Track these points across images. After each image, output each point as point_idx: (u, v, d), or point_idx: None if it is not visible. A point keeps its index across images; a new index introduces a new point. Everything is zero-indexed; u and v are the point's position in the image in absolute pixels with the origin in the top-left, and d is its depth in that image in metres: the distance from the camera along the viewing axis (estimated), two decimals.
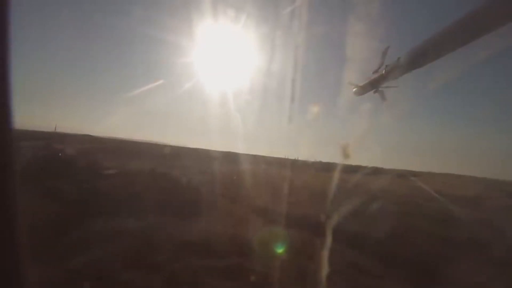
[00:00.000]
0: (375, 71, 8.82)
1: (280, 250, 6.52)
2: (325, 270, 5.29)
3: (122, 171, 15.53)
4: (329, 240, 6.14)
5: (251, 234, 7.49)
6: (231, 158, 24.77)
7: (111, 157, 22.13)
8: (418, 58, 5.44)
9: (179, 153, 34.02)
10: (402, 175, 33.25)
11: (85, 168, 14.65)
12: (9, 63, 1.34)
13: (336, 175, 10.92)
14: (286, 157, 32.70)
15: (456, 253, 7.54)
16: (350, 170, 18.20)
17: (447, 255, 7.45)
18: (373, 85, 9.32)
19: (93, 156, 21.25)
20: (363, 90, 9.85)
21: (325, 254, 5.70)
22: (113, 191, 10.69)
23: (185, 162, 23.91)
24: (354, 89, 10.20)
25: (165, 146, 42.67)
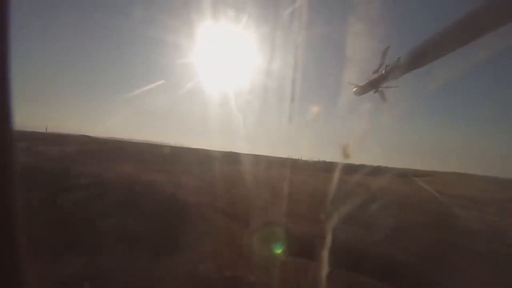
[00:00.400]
0: (375, 71, 8.81)
1: None
2: None
3: (98, 179, 12.58)
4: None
5: (255, 275, 5.36)
6: (231, 158, 23.61)
7: (95, 161, 19.54)
8: (418, 58, 5.43)
9: (176, 154, 32.53)
10: (404, 174, 32.96)
11: (46, 177, 11.36)
12: (9, 63, 1.34)
13: (345, 177, 10.25)
14: (289, 157, 32.72)
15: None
16: (356, 170, 17.54)
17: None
18: (373, 85, 9.31)
19: (72, 159, 18.52)
20: (363, 90, 9.84)
21: None
22: (70, 211, 7.78)
23: (180, 165, 22.27)
24: (354, 89, 10.19)
25: (164, 146, 42.50)
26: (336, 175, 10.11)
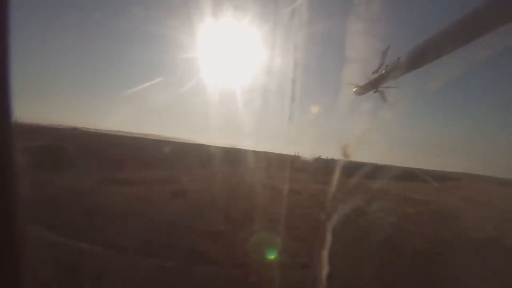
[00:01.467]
0: (375, 71, 8.83)
1: None
2: None
3: None
4: None
5: None
6: (232, 156, 20.66)
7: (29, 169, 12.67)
8: (418, 58, 5.43)
9: (164, 155, 25.81)
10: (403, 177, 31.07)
11: None
12: (9, 63, 1.34)
13: (347, 176, 9.15)
14: (296, 153, 32.31)
15: None
16: (359, 168, 15.34)
17: None
18: (373, 85, 9.33)
19: None
20: (363, 90, 9.86)
21: None
22: None
23: (160, 172, 15.03)
24: (354, 89, 10.21)
25: (164, 141, 41.95)
26: (337, 175, 9.76)
